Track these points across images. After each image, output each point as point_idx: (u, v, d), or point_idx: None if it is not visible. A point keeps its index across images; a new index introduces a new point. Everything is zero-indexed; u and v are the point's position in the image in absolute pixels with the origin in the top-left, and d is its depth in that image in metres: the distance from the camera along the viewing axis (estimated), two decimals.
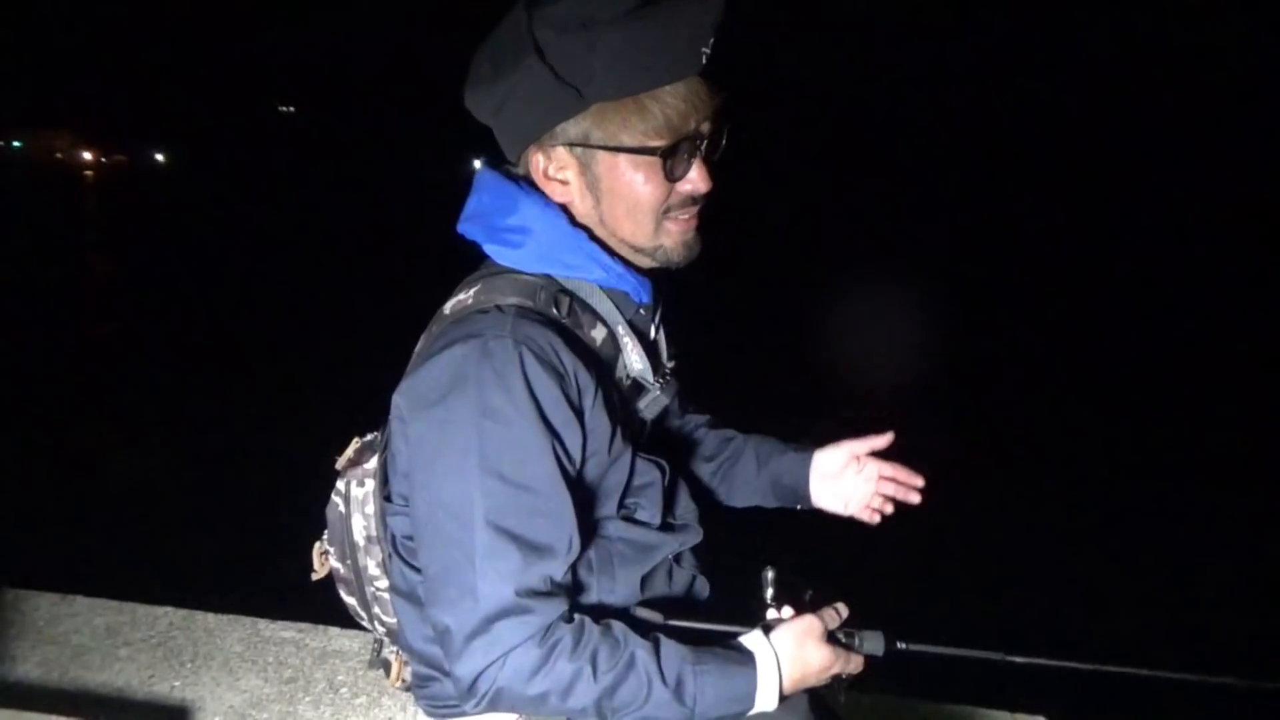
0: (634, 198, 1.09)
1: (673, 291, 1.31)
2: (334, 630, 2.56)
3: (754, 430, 1.56)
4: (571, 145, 1.08)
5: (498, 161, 1.19)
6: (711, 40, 1.03)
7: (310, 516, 1.37)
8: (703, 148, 1.10)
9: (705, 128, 1.09)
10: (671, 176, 1.08)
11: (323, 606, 2.26)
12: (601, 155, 1.07)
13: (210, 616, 2.65)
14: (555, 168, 1.10)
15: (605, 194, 1.10)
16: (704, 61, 1.04)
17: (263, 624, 2.61)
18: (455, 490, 1.01)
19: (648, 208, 1.10)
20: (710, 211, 1.17)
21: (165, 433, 7.31)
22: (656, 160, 1.07)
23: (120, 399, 8.55)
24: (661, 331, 1.26)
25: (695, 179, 1.10)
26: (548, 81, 1.02)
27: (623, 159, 1.07)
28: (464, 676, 1.00)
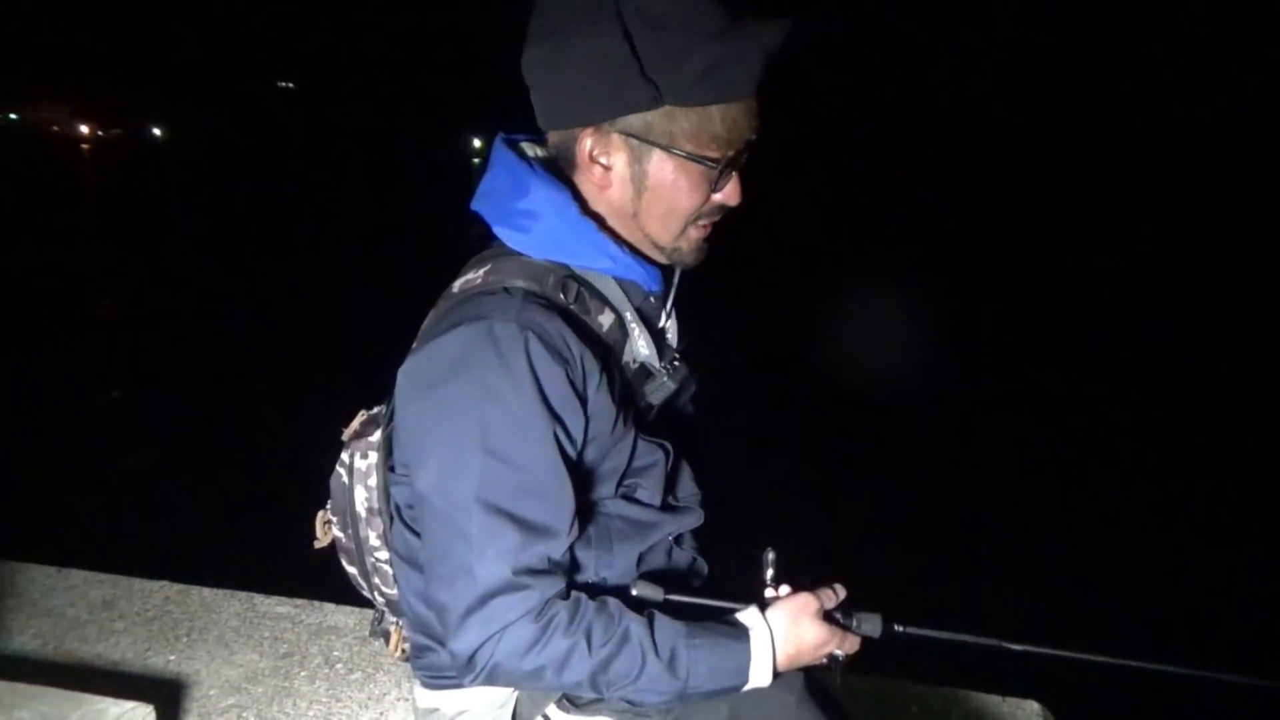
0: (675, 201, 1.11)
1: (689, 285, 1.31)
2: (329, 606, 2.56)
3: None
4: (629, 135, 1.08)
5: (513, 138, 1.18)
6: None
7: (308, 492, 1.38)
8: (742, 163, 1.12)
9: (751, 143, 1.11)
10: (716, 188, 1.11)
11: (319, 582, 2.28)
12: (657, 154, 1.08)
13: (206, 591, 2.65)
14: (602, 151, 1.10)
15: (649, 190, 1.11)
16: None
17: (259, 599, 2.62)
18: (455, 470, 1.01)
19: (684, 213, 1.12)
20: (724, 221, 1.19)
21: (163, 408, 7.31)
22: (708, 171, 1.08)
23: (118, 375, 8.54)
24: (673, 320, 1.26)
25: (731, 192, 1.13)
26: (629, 70, 1.02)
27: (677, 162, 1.08)
28: (461, 652, 1.01)
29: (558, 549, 1.04)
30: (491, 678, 1.02)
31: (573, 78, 1.06)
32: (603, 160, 1.10)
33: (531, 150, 1.18)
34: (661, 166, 1.09)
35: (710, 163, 1.08)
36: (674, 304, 1.26)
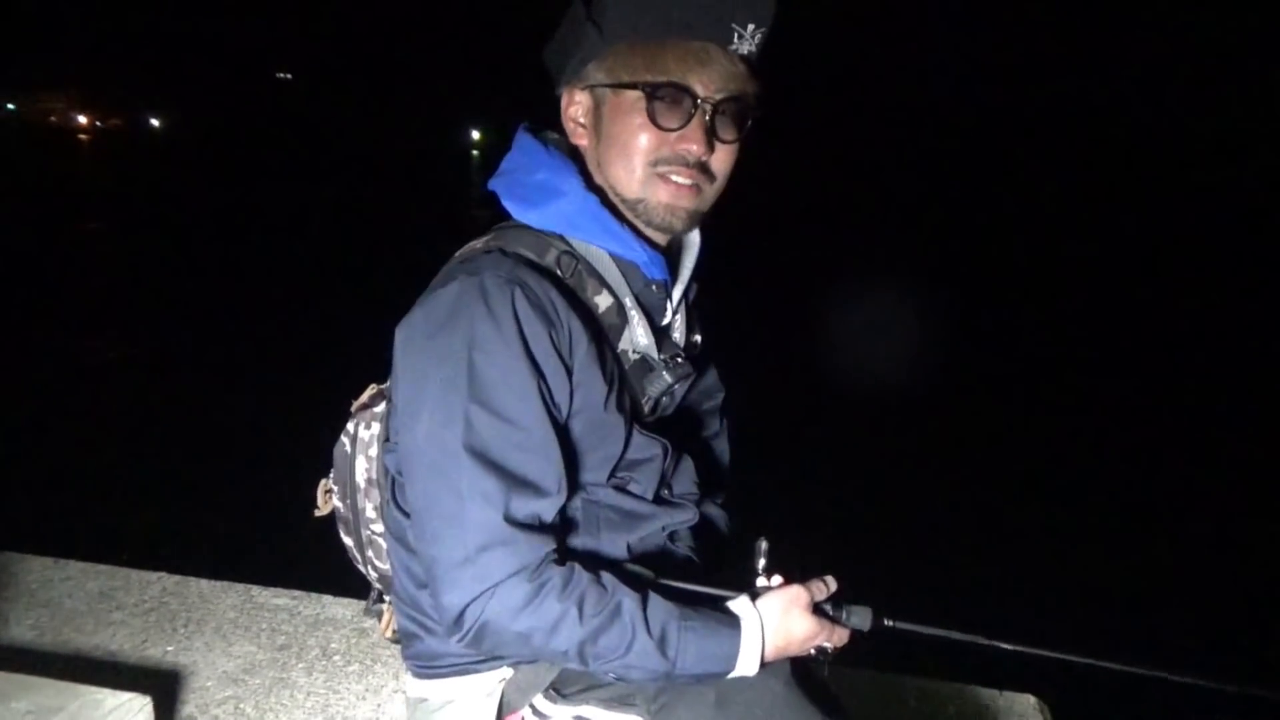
0: (625, 139, 1.12)
1: (707, 282, 1.31)
2: (327, 598, 2.56)
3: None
4: (589, 87, 1.14)
5: (538, 126, 1.23)
6: (753, 28, 1.08)
7: (306, 485, 1.38)
8: (708, 114, 1.11)
9: (716, 97, 1.10)
10: (657, 121, 1.10)
11: (316, 574, 2.28)
12: (608, 95, 1.12)
13: (203, 582, 2.65)
14: (578, 110, 1.17)
15: (604, 134, 1.14)
16: (736, 40, 1.08)
17: (256, 590, 2.61)
18: (443, 421, 1.03)
19: (638, 152, 1.12)
20: (725, 207, 1.20)
21: (160, 400, 7.30)
22: (648, 101, 1.09)
23: (115, 367, 8.52)
24: (680, 316, 1.26)
25: (691, 138, 1.11)
26: (582, 21, 1.10)
27: (623, 100, 1.11)
28: (451, 606, 1.01)
29: (547, 509, 1.04)
30: (479, 637, 1.02)
31: (557, 48, 1.16)
32: (577, 117, 1.17)
33: (552, 136, 1.22)
34: (612, 105, 1.13)
35: (644, 88, 1.09)
36: (683, 302, 1.25)
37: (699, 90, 1.09)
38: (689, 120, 1.10)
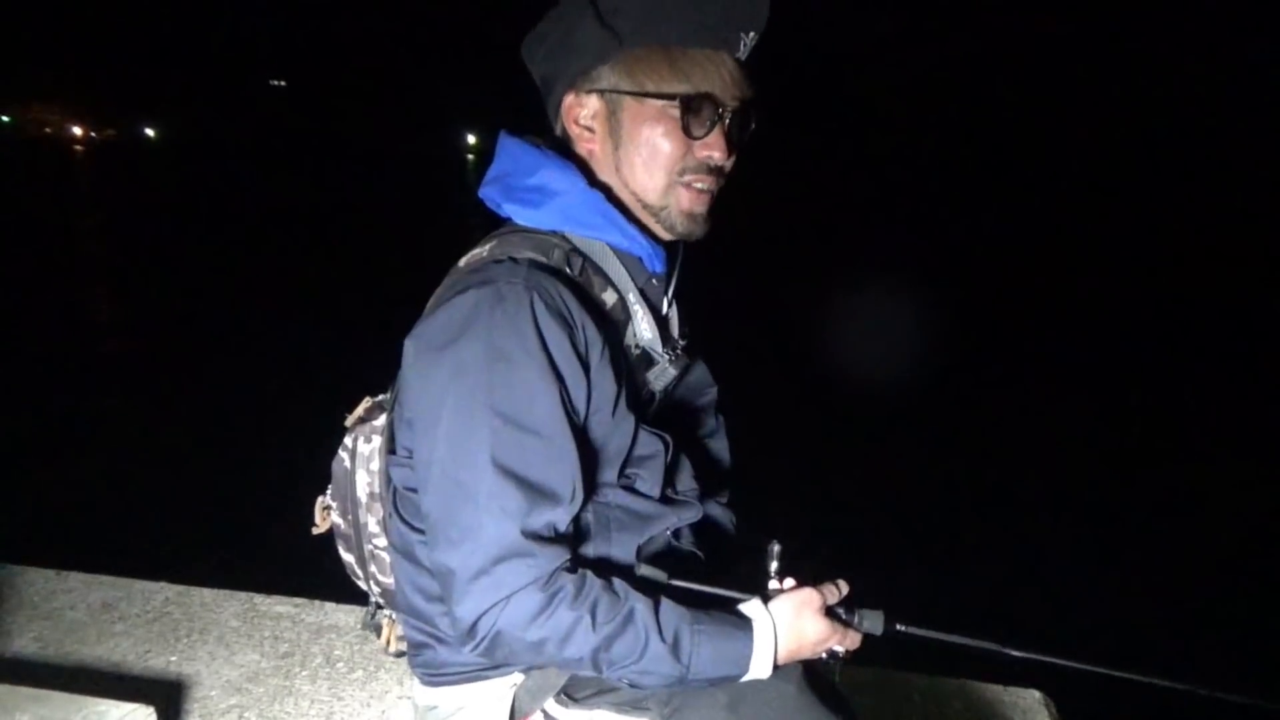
0: (652, 148, 1.13)
1: (689, 272, 1.31)
2: (330, 605, 2.55)
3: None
4: (603, 92, 1.13)
5: (519, 132, 1.22)
6: (753, 35, 1.11)
7: (307, 491, 1.37)
8: (727, 121, 1.13)
9: (732, 104, 1.13)
10: (689, 131, 1.12)
11: (319, 581, 2.27)
12: (628, 101, 1.12)
13: (206, 591, 2.64)
14: (585, 114, 1.15)
15: (625, 141, 1.14)
16: (741, 48, 1.11)
17: (259, 599, 2.61)
18: (462, 431, 1.02)
19: (663, 162, 1.13)
20: (724, 202, 1.20)
21: (161, 408, 7.30)
22: (676, 111, 1.10)
23: (114, 377, 8.52)
24: (674, 307, 1.27)
25: (713, 145, 1.13)
26: (591, 23, 1.09)
27: (647, 108, 1.11)
28: (464, 617, 1.00)
29: (562, 518, 1.04)
30: (492, 647, 1.01)
31: (556, 49, 1.14)
32: (586, 122, 1.16)
33: (534, 139, 1.21)
34: (633, 112, 1.12)
35: (674, 99, 1.10)
36: (675, 293, 1.26)
37: (722, 98, 1.12)
38: (712, 128, 1.13)
